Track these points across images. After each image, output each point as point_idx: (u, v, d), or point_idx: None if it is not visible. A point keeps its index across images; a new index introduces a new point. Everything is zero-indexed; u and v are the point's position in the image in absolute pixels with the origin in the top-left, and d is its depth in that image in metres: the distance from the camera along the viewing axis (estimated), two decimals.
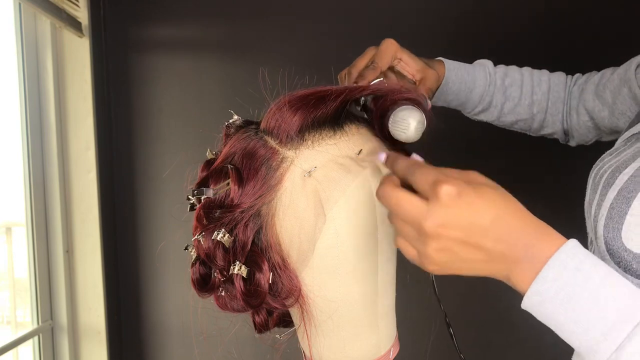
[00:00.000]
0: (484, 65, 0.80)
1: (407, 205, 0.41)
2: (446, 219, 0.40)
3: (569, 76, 0.84)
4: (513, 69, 0.81)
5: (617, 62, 0.75)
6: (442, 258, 0.42)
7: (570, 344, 0.41)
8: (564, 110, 0.82)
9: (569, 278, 0.39)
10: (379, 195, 0.44)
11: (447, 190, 0.40)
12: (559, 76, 0.83)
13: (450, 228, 0.40)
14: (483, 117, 0.82)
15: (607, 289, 0.39)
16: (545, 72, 0.83)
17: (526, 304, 0.42)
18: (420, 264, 0.43)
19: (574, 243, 0.40)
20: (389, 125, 0.52)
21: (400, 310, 0.60)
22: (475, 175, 0.43)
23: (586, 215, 0.59)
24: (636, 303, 0.38)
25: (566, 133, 0.83)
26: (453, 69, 0.75)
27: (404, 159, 0.45)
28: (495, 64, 0.81)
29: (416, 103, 0.53)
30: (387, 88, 0.54)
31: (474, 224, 0.40)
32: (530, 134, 0.85)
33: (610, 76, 0.75)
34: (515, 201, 0.42)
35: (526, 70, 0.82)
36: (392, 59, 0.66)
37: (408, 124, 0.50)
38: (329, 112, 0.50)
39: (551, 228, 0.42)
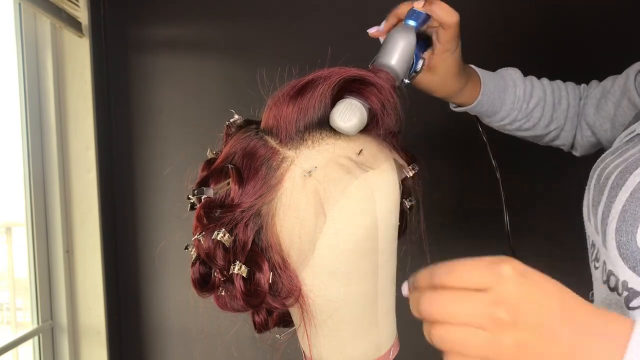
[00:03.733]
0: (515, 84, 0.77)
1: (468, 302, 0.35)
2: (519, 299, 0.35)
3: (580, 86, 0.82)
4: (537, 85, 0.79)
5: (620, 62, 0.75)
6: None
7: None
8: (577, 125, 0.81)
9: None
10: (422, 311, 0.37)
11: (509, 268, 0.36)
12: (575, 90, 0.81)
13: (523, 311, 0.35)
14: (497, 128, 0.81)
15: None
16: (564, 86, 0.81)
17: None
18: None
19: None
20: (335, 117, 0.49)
21: (400, 310, 0.60)
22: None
23: (587, 217, 0.58)
24: None
25: (573, 145, 0.83)
26: (487, 92, 0.74)
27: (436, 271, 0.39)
28: (499, 64, 0.81)
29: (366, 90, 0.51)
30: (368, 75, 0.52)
31: (545, 306, 0.35)
32: (539, 143, 0.84)
33: (611, 88, 0.74)
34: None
35: (549, 86, 0.80)
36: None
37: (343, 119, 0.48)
38: (325, 98, 0.49)
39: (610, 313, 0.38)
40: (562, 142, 0.82)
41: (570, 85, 0.82)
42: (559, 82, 0.82)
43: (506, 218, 0.76)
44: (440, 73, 0.68)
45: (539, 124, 0.79)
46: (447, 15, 0.63)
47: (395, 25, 0.66)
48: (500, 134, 0.83)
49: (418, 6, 0.63)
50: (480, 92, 0.73)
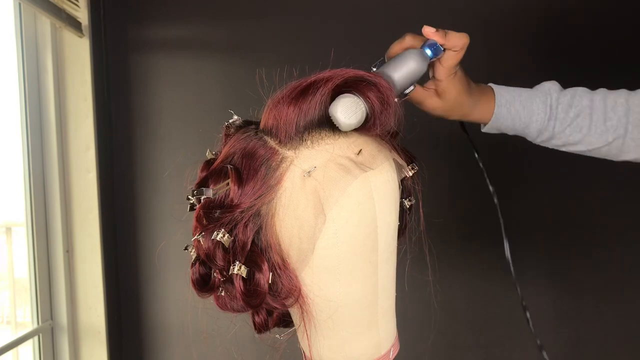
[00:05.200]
0: (547, 94, 0.73)
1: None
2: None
3: None
4: (581, 94, 0.73)
5: None
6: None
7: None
8: None
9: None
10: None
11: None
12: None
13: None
14: (548, 146, 0.76)
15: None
16: (622, 92, 0.74)
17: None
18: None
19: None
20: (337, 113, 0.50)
21: (400, 310, 0.60)
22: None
23: None
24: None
25: None
26: (505, 103, 0.72)
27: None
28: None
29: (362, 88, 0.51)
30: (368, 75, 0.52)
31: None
32: (611, 159, 0.77)
33: None
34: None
35: (598, 93, 0.74)
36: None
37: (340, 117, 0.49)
38: (324, 99, 0.49)
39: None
40: (637, 154, 0.74)
41: (638, 91, 0.74)
42: (620, 90, 0.74)
43: (506, 245, 0.74)
44: (452, 95, 0.69)
45: (590, 133, 0.73)
46: (460, 41, 0.64)
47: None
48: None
49: (429, 33, 0.64)
50: (495, 104, 0.72)
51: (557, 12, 1.50)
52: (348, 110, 0.49)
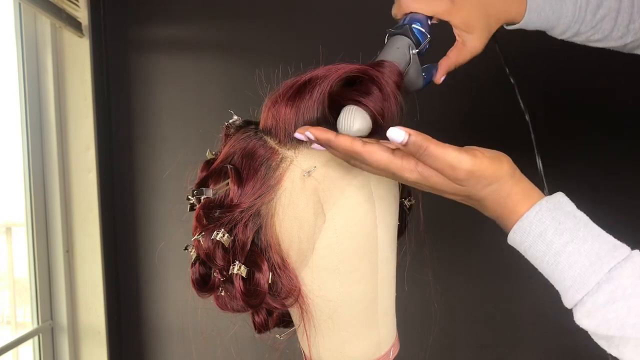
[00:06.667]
0: None
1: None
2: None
3: None
4: None
5: None
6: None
7: None
8: None
9: (533, 243, 0.45)
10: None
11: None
12: None
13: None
14: (566, 39, 0.74)
15: (565, 256, 0.44)
16: None
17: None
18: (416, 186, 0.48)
19: (540, 207, 0.45)
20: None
21: (400, 310, 0.60)
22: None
23: None
24: (589, 271, 0.43)
25: None
26: (536, 8, 0.67)
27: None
28: None
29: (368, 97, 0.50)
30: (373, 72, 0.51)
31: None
32: (622, 51, 0.76)
33: None
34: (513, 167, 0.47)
35: None
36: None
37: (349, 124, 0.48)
38: (322, 98, 0.49)
39: (535, 190, 0.47)
40: None
41: None
42: None
43: (538, 161, 0.68)
44: (478, 30, 0.63)
45: (610, 36, 0.71)
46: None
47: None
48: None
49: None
50: (527, 10, 0.66)
51: None
52: (361, 119, 0.48)
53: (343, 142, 0.45)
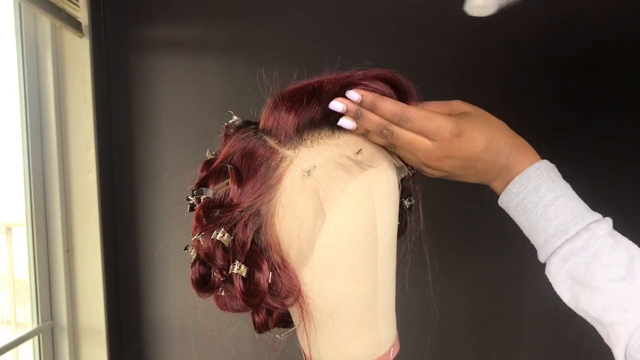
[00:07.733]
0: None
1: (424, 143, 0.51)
2: (451, 153, 0.51)
3: None
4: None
5: None
6: (446, 170, 0.53)
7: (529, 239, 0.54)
8: None
9: (528, 195, 0.51)
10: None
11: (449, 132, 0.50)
12: None
13: (454, 159, 0.51)
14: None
15: (553, 208, 0.50)
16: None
17: (500, 204, 0.55)
18: (422, 170, 0.54)
19: (539, 165, 0.51)
20: None
21: (400, 310, 0.60)
22: (460, 105, 0.53)
23: None
24: (572, 222, 0.49)
25: None
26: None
27: (391, 104, 0.50)
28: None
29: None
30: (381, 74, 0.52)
31: (471, 152, 0.51)
32: None
33: None
34: (501, 124, 0.53)
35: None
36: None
37: None
38: (325, 106, 0.50)
39: (530, 148, 0.53)
40: None
41: None
42: None
43: None
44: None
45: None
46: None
47: None
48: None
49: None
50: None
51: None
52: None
53: (390, 102, 0.49)
